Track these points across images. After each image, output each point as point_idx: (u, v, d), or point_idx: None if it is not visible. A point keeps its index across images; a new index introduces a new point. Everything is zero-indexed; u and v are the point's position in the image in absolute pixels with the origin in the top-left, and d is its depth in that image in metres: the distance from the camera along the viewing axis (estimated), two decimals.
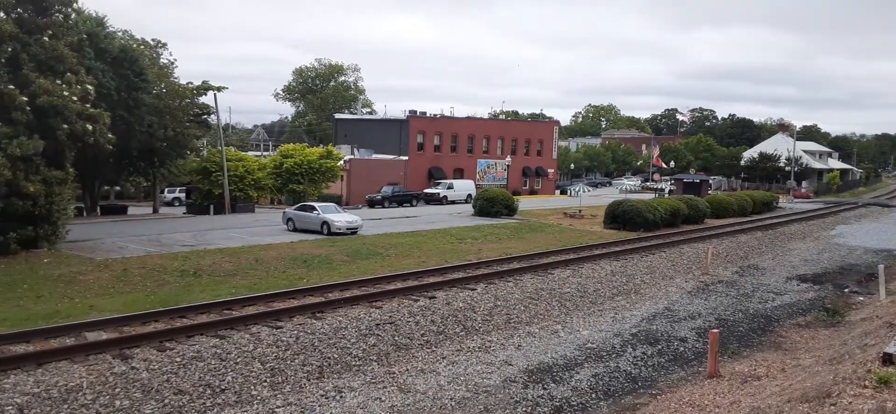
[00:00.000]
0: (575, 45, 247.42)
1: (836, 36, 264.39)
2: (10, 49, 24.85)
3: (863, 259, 34.79)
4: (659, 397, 14.42)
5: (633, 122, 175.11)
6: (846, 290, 26.40)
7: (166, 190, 62.29)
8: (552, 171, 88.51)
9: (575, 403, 14.21)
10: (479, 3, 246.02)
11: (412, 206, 58.25)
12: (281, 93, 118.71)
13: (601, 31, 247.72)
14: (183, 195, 60.33)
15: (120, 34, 43.87)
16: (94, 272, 23.18)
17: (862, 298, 24.45)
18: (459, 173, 73.69)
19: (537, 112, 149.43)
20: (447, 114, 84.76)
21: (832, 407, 9.95)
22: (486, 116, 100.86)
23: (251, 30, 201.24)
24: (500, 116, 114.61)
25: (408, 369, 15.87)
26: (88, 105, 27.17)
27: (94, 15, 39.82)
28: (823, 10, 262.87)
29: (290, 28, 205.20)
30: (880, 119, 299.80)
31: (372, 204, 57.50)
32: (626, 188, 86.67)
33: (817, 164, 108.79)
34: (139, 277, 22.93)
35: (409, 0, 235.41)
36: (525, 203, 53.39)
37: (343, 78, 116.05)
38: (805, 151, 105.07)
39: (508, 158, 74.29)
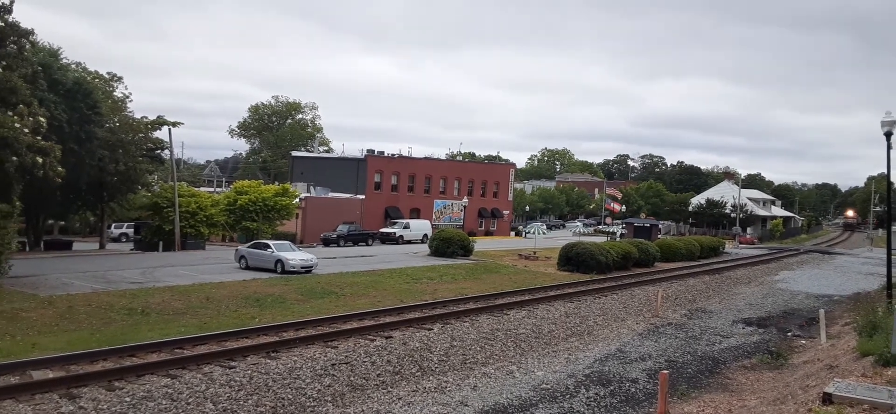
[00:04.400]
0: (538, 91, 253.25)
1: (784, 89, 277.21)
2: None
3: (805, 304, 36.06)
4: None
5: (586, 167, 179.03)
6: (789, 333, 27.31)
7: (113, 225, 60.72)
8: (508, 212, 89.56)
9: None
10: (444, 47, 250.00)
11: (368, 245, 58.07)
12: (236, 129, 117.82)
13: (565, 78, 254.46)
14: (131, 231, 58.88)
15: (74, 66, 43.20)
16: (38, 309, 22.43)
17: (804, 342, 25.34)
18: (416, 213, 73.95)
19: (494, 154, 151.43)
20: (405, 154, 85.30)
21: None
22: (443, 158, 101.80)
23: (213, 66, 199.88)
24: (458, 158, 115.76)
25: (363, 410, 15.78)
26: (39, 137, 26.61)
27: (48, 46, 39.18)
28: (774, 66, 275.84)
29: (253, 66, 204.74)
30: (821, 170, 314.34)
31: (327, 243, 57.11)
32: (578, 231, 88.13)
33: (761, 212, 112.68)
34: (85, 314, 22.28)
35: (374, 42, 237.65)
36: (481, 244, 53.81)
37: (300, 115, 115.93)
38: (750, 199, 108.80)
39: (465, 199, 74.94)
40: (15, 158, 25.21)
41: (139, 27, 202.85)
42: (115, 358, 16.69)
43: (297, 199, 60.45)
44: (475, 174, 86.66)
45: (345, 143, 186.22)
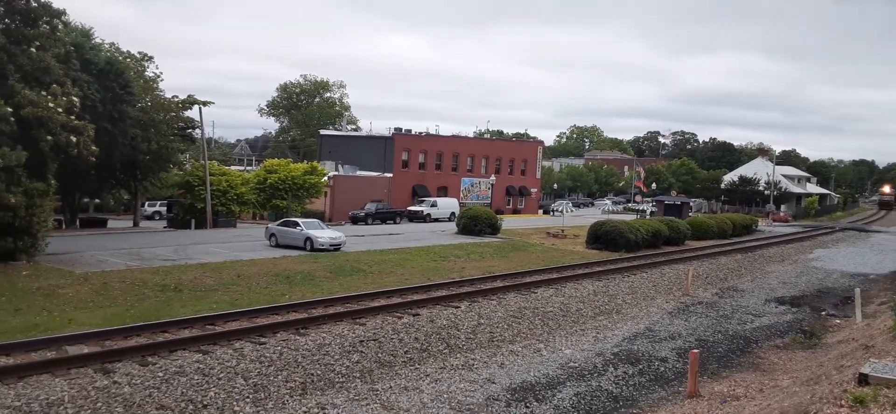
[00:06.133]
0: (568, 68, 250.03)
1: (822, 63, 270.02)
2: None
3: (840, 283, 35.34)
4: None
5: (615, 144, 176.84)
6: (823, 312, 26.81)
7: (147, 203, 61.78)
8: (535, 190, 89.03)
9: None
10: (474, 25, 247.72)
11: (396, 223, 58.27)
12: (265, 108, 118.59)
13: (597, 55, 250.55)
14: (163, 209, 59.86)
15: (106, 46, 43.74)
16: (74, 285, 22.95)
17: (838, 321, 24.85)
18: (443, 191, 73.88)
19: (523, 132, 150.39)
20: (432, 132, 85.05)
21: None
22: (471, 136, 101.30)
23: (243, 45, 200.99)
24: (485, 136, 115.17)
25: (391, 386, 15.89)
26: (73, 117, 27.05)
27: (80, 26, 39.69)
28: (812, 39, 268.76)
29: (283, 45, 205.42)
30: (858, 145, 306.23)
31: (355, 221, 57.44)
32: (607, 209, 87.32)
33: (796, 189, 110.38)
34: (119, 290, 22.74)
35: (403, 20, 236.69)
36: (508, 222, 53.64)
37: (328, 94, 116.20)
38: (784, 176, 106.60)
39: (492, 177, 74.66)
40: (49, 137, 25.70)
41: (172, 7, 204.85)
42: (149, 334, 17.02)
43: (326, 178, 60.79)
44: (503, 152, 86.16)
45: (372, 122, 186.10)
